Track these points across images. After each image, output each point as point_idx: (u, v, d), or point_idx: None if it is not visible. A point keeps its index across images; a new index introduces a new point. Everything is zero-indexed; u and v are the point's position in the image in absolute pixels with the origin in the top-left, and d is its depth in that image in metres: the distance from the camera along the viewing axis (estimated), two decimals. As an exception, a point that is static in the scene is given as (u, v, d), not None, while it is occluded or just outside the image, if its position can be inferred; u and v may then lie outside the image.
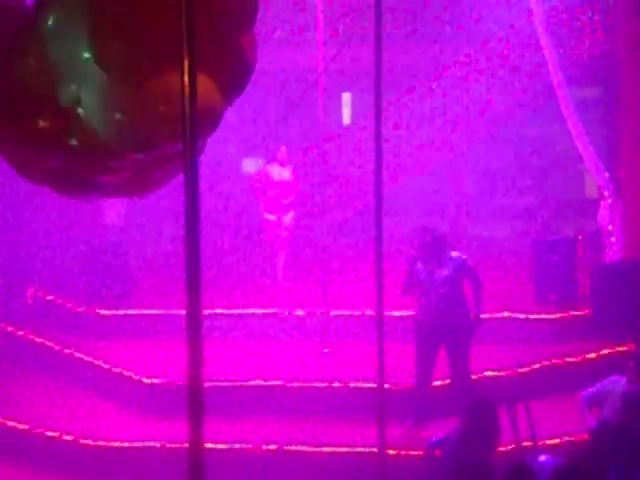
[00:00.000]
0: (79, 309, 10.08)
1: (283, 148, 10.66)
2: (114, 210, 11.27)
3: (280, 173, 10.57)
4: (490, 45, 11.73)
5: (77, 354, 9.30)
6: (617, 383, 6.65)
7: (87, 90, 3.08)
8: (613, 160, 9.94)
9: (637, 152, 8.57)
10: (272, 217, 10.52)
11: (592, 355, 8.66)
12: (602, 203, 9.86)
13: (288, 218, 10.54)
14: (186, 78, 2.59)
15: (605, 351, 8.66)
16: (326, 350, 9.10)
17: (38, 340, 9.70)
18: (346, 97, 14.27)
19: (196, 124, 2.61)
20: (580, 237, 10.73)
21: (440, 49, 12.29)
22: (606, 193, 9.70)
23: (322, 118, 9.14)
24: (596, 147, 9.58)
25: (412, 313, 8.03)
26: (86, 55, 3.04)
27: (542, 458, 5.79)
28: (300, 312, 9.66)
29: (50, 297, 10.41)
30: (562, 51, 10.44)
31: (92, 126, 3.16)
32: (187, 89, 2.59)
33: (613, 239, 9.61)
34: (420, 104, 11.96)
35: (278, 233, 10.49)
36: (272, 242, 10.60)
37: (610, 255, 9.71)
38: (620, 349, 8.59)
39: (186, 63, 2.59)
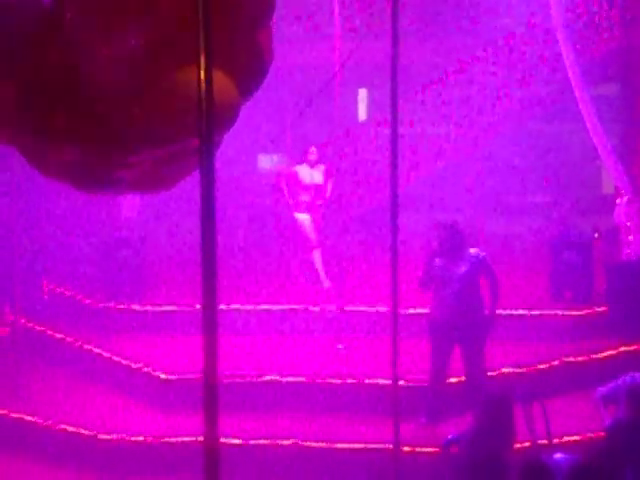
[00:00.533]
0: (97, 304, 10.12)
1: (313, 148, 10.32)
2: (130, 204, 11.29)
3: (312, 175, 10.27)
4: (507, 40, 11.68)
5: (95, 349, 9.33)
6: (634, 380, 6.63)
7: (107, 85, 3.08)
8: (630, 157, 9.87)
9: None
10: (305, 216, 10.27)
11: (608, 353, 8.62)
12: (619, 200, 9.81)
13: (318, 216, 10.33)
14: (202, 73, 2.59)
15: (621, 349, 8.63)
16: (340, 346, 9.10)
17: (57, 335, 9.74)
18: (362, 93, 14.24)
19: (212, 120, 2.61)
20: (597, 235, 10.68)
21: (457, 44, 12.26)
22: (623, 191, 9.65)
23: (338, 114, 9.14)
24: (613, 144, 9.52)
25: (427, 310, 8.02)
26: (104, 51, 3.05)
27: (558, 456, 5.77)
28: (315, 308, 9.66)
29: (67, 292, 10.46)
30: (579, 47, 10.38)
31: (110, 121, 3.16)
32: (203, 84, 2.59)
33: (631, 237, 9.56)
34: (436, 100, 11.92)
35: (311, 233, 10.26)
36: (304, 242, 10.37)
37: (627, 253, 9.65)
38: (636, 347, 8.55)
39: (202, 58, 2.59)
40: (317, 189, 10.29)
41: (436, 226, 7.93)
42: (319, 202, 10.34)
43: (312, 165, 10.29)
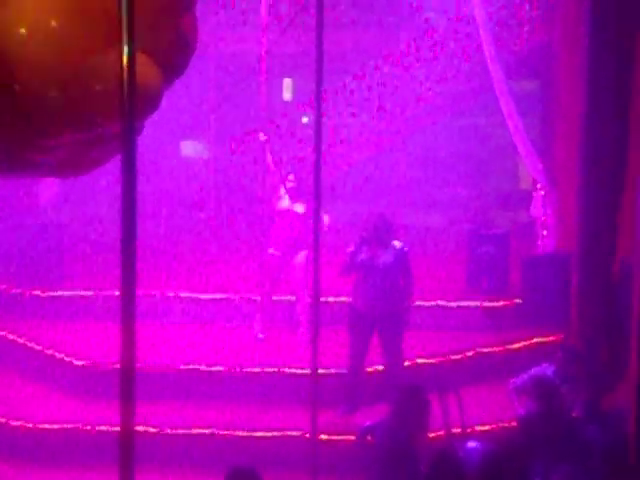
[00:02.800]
0: (13, 290, 9.91)
1: (291, 177, 9.01)
2: (48, 189, 11.07)
3: (294, 208, 8.91)
4: (430, 34, 11.81)
5: (10, 335, 9.14)
6: (545, 372, 6.81)
7: (23, 66, 3.02)
8: (547, 153, 10.10)
9: (571, 145, 8.73)
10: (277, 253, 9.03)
11: (522, 344, 8.83)
12: (535, 195, 10.03)
13: (301, 257, 8.91)
14: (125, 57, 2.56)
15: (535, 340, 8.84)
16: (261, 335, 9.10)
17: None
18: (287, 82, 14.23)
19: (135, 104, 2.58)
20: (513, 228, 10.91)
21: (380, 37, 12.35)
22: (539, 185, 9.87)
23: (264, 102, 9.11)
24: (531, 139, 9.73)
25: (347, 299, 8.09)
26: (22, 31, 2.98)
27: (471, 444, 5.89)
28: (236, 297, 9.64)
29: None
30: (501, 43, 10.56)
31: (28, 104, 3.10)
32: (126, 68, 2.56)
33: (545, 231, 9.79)
34: (361, 92, 11.99)
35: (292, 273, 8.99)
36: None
37: (542, 247, 9.89)
38: (549, 339, 8.78)
39: (125, 41, 2.56)
40: (298, 222, 8.90)
41: (367, 216, 7.99)
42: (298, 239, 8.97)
43: (294, 198, 8.93)
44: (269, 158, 9.15)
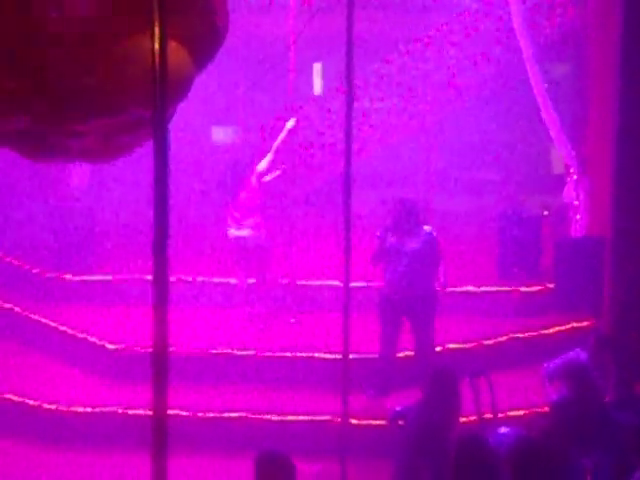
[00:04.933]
0: (46, 274, 10.01)
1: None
2: (80, 173, 11.14)
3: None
4: (462, 18, 11.71)
5: (43, 319, 9.24)
6: (578, 357, 6.76)
7: (56, 52, 3.04)
8: (580, 136, 10.00)
9: (603, 129, 8.63)
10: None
11: (554, 329, 8.78)
12: (568, 179, 9.94)
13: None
14: (156, 43, 2.56)
15: (567, 325, 8.78)
16: (293, 320, 9.13)
17: (6, 305, 9.62)
18: (317, 67, 14.19)
19: (166, 89, 2.59)
20: (546, 212, 10.82)
21: (412, 20, 12.26)
22: (572, 169, 9.78)
23: (292, 87, 9.10)
24: (564, 123, 9.63)
25: (378, 284, 8.08)
26: (54, 16, 3.00)
27: (502, 430, 5.88)
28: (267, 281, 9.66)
29: (15, 261, 10.32)
30: (533, 25, 10.44)
31: (60, 89, 3.12)
32: (157, 54, 2.57)
33: (578, 216, 9.70)
34: (390, 76, 11.93)
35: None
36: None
37: (575, 231, 9.80)
38: (582, 324, 8.72)
39: (156, 28, 2.56)
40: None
41: (392, 201, 7.98)
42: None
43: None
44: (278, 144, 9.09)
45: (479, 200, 13.09)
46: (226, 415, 7.71)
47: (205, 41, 3.38)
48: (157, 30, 2.56)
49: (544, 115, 9.53)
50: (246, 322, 9.11)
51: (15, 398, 7.99)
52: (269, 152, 9.09)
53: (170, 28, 2.60)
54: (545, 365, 6.95)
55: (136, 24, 2.98)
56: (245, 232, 9.01)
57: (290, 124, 9.19)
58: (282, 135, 9.16)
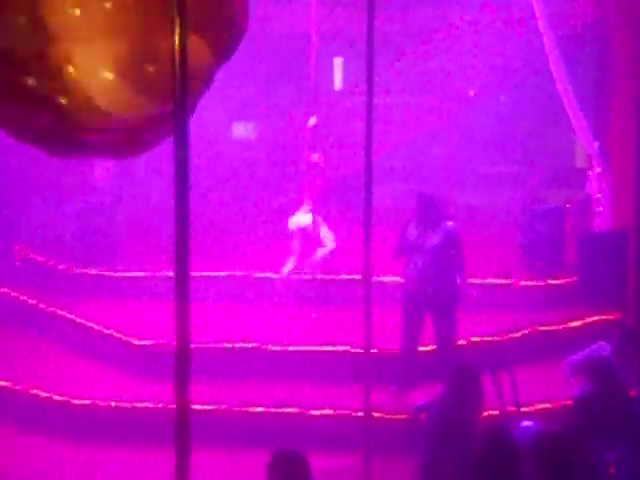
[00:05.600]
0: (70, 270, 10.08)
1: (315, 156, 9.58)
2: (104, 170, 11.20)
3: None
4: (482, 11, 11.65)
5: (68, 315, 9.31)
6: (602, 351, 6.72)
7: (78, 49, 3.06)
8: (603, 130, 9.93)
9: (627, 123, 8.56)
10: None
11: (578, 323, 8.73)
12: (591, 173, 9.88)
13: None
14: (177, 38, 2.58)
15: (591, 319, 8.74)
16: (314, 315, 9.14)
17: (31, 301, 9.70)
18: (338, 62, 14.18)
19: (187, 85, 2.60)
20: (569, 206, 10.76)
21: (434, 14, 12.22)
22: (595, 162, 9.72)
23: (314, 82, 9.10)
24: (587, 116, 9.57)
25: (400, 279, 8.07)
26: (76, 12, 3.02)
27: (525, 424, 5.86)
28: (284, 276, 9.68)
29: (39, 257, 10.40)
30: (555, 19, 10.37)
31: (81, 86, 3.13)
32: (178, 49, 2.58)
33: (601, 209, 9.64)
34: (412, 69, 11.90)
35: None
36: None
37: (598, 224, 9.74)
38: (606, 317, 8.67)
39: (177, 23, 2.57)
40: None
41: (415, 196, 7.97)
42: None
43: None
44: (315, 157, 9.30)
45: (502, 193, 13.02)
46: (249, 409, 7.73)
47: (225, 35, 3.38)
48: (178, 25, 2.57)
49: (567, 108, 9.47)
50: (268, 316, 9.14)
51: (42, 394, 8.05)
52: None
53: (190, 23, 2.60)
54: (568, 359, 6.91)
55: (157, 19, 2.99)
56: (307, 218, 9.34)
57: (312, 122, 9.21)
58: (307, 135, 9.28)
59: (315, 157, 9.47)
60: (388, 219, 9.29)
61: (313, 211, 9.38)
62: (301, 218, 9.43)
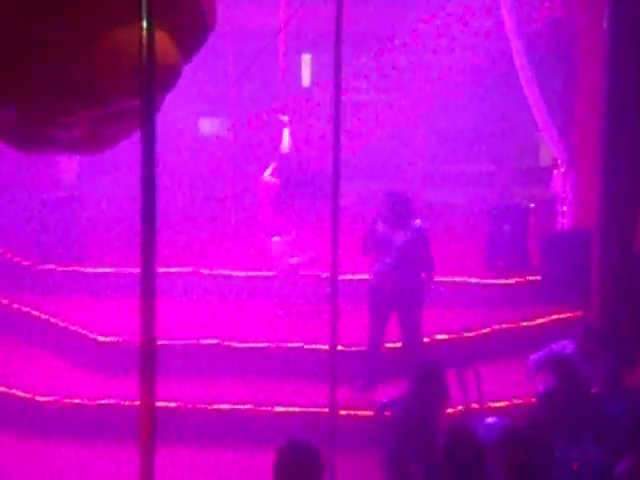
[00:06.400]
0: (35, 266, 9.98)
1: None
2: (69, 165, 11.11)
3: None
4: (449, 9, 11.70)
5: (33, 312, 9.22)
6: (565, 348, 6.80)
7: (42, 44, 3.03)
8: (568, 128, 10.02)
9: (591, 122, 8.65)
10: None
11: (541, 320, 8.82)
12: (556, 172, 9.97)
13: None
14: (144, 33, 2.56)
15: (554, 317, 8.83)
16: (280, 312, 9.14)
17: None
18: (306, 58, 14.17)
19: (153, 80, 2.58)
20: (533, 205, 10.86)
21: (402, 12, 12.25)
22: (560, 162, 9.81)
23: (282, 78, 9.09)
24: (552, 116, 9.65)
25: (367, 276, 8.09)
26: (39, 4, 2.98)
27: (489, 420, 5.91)
28: (255, 274, 9.67)
29: (3, 253, 10.28)
30: (521, 18, 10.44)
31: (45, 80, 3.11)
32: (145, 44, 2.56)
33: (565, 208, 9.74)
34: (380, 67, 11.92)
35: None
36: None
37: (561, 223, 9.84)
38: (569, 315, 8.76)
39: (144, 18, 2.56)
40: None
41: (383, 193, 7.99)
42: None
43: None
44: (287, 142, 9.28)
45: (469, 192, 13.11)
46: (215, 407, 7.72)
47: (192, 31, 3.37)
48: (145, 20, 2.56)
49: (533, 107, 9.55)
50: (235, 314, 9.12)
51: (6, 390, 7.97)
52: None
53: (157, 18, 2.59)
54: (532, 356, 6.99)
55: (123, 14, 2.97)
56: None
57: (283, 119, 9.21)
58: (285, 137, 9.29)
59: (284, 118, 9.43)
60: (356, 217, 9.31)
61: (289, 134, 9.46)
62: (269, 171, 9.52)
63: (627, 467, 4.86)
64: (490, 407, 7.08)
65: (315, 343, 8.15)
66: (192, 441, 7.52)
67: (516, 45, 9.41)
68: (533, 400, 6.66)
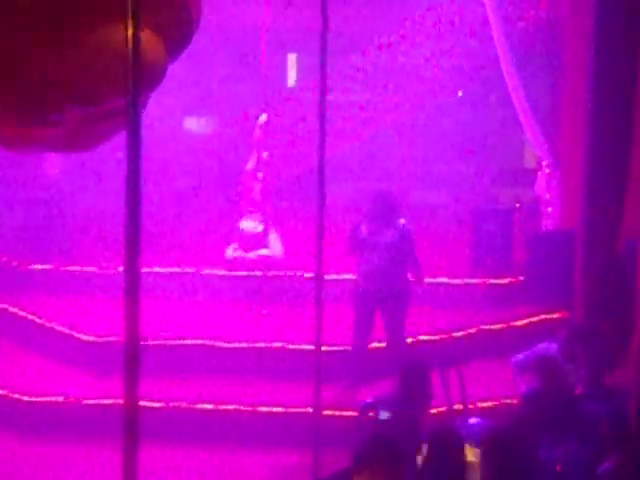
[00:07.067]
0: (20, 266, 9.93)
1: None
2: (53, 163, 11.06)
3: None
4: (437, 10, 11.72)
5: (19, 312, 9.17)
6: (548, 349, 6.81)
7: (26, 41, 3.01)
8: (553, 130, 10.06)
9: (576, 124, 8.68)
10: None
11: (525, 321, 8.84)
12: (540, 173, 10.01)
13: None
14: (130, 31, 2.55)
15: (538, 317, 8.85)
16: (264, 312, 9.13)
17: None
18: (292, 58, 14.17)
19: (139, 79, 2.57)
20: (518, 205, 10.89)
21: (388, 13, 12.26)
22: (544, 163, 9.84)
23: (266, 78, 9.08)
24: (537, 117, 9.68)
25: (352, 276, 8.10)
26: (23, 5, 2.97)
27: (472, 421, 5.92)
28: (241, 274, 9.66)
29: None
30: (507, 19, 10.47)
31: (29, 79, 3.09)
32: (130, 43, 2.55)
33: (550, 209, 9.77)
34: (366, 67, 11.93)
35: None
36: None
37: (546, 224, 9.87)
38: (553, 316, 8.79)
39: (130, 16, 2.55)
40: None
41: (370, 194, 8.00)
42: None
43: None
44: (264, 155, 9.31)
45: (454, 192, 13.14)
46: (198, 406, 7.70)
47: (178, 29, 3.36)
48: (130, 18, 2.54)
49: (518, 109, 9.58)
50: (219, 313, 9.10)
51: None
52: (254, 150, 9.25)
53: (143, 16, 2.58)
54: (516, 357, 7.00)
55: (109, 12, 2.96)
56: (254, 225, 9.29)
57: (262, 119, 9.19)
58: (257, 132, 9.21)
59: (265, 155, 9.47)
60: (343, 217, 9.32)
61: (264, 221, 9.44)
62: (248, 224, 9.50)
63: (610, 466, 4.89)
64: (474, 407, 7.10)
65: (299, 343, 8.14)
66: (176, 441, 7.50)
67: (501, 45, 9.43)
68: (517, 401, 6.68)
